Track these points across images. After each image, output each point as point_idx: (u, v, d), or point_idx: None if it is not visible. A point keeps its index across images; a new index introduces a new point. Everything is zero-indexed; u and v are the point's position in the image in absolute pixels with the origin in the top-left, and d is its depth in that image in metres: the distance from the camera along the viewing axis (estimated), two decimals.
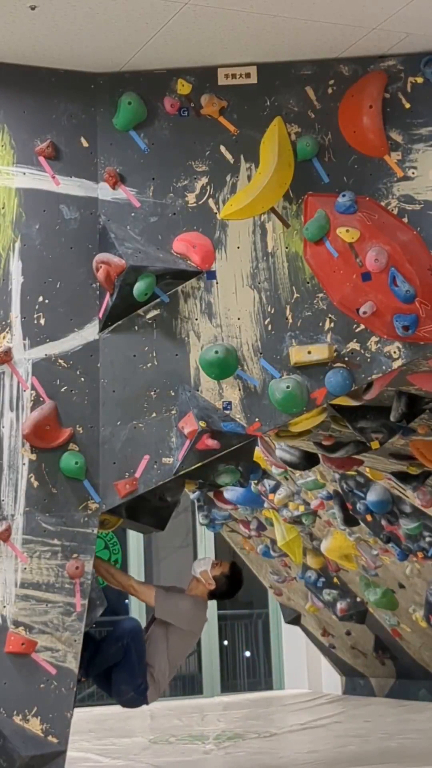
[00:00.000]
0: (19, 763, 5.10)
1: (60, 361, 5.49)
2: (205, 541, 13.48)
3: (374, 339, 5.47)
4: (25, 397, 5.43)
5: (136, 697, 6.48)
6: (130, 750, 8.57)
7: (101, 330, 5.54)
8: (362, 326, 5.47)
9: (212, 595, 6.63)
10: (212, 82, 5.61)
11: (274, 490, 9.21)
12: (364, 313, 5.40)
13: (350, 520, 9.33)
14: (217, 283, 5.54)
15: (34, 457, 5.40)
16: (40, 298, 5.50)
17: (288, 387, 5.42)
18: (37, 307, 5.50)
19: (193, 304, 5.54)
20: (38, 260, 5.52)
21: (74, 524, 5.42)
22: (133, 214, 5.58)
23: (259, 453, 7.94)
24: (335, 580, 10.95)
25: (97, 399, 5.51)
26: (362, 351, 5.47)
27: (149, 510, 5.95)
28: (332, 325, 5.50)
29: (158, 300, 5.54)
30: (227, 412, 5.46)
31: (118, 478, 5.46)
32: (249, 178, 5.56)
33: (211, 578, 6.53)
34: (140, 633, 6.48)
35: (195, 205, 5.59)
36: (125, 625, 6.46)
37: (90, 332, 5.54)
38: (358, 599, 10.96)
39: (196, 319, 5.54)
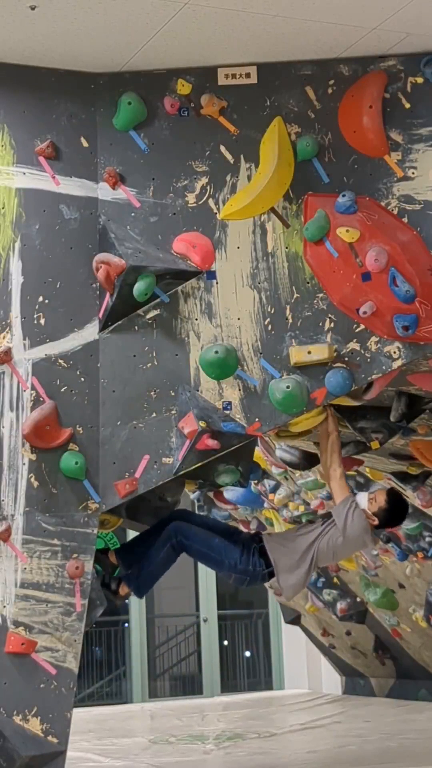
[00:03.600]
0: (19, 763, 5.10)
1: (60, 361, 5.49)
2: None
3: (374, 339, 5.47)
4: (25, 397, 5.43)
5: (242, 577, 6.03)
6: (130, 750, 8.56)
7: (101, 330, 5.54)
8: (362, 326, 5.47)
9: (378, 528, 6.19)
10: (212, 82, 5.61)
11: (274, 490, 9.21)
12: (364, 313, 5.41)
13: None
14: (217, 283, 5.54)
15: (34, 457, 5.40)
16: (40, 298, 5.50)
17: (288, 387, 5.42)
18: (37, 307, 5.50)
19: (193, 304, 5.54)
20: (38, 260, 5.52)
21: (74, 524, 5.42)
22: (133, 214, 5.59)
23: (259, 453, 7.93)
24: (335, 580, 10.95)
25: (97, 399, 5.51)
26: (362, 351, 5.48)
27: (149, 510, 5.95)
28: (332, 325, 5.50)
29: (158, 300, 5.54)
30: (227, 412, 5.46)
31: (118, 478, 5.46)
32: (249, 178, 5.56)
33: (372, 516, 6.02)
34: (186, 528, 6.08)
35: (195, 205, 5.59)
36: (169, 529, 6.00)
37: (90, 332, 5.54)
38: (358, 599, 10.96)
39: (196, 319, 5.54)
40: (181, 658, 14.51)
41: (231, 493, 9.25)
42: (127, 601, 13.42)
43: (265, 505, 9.53)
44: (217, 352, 5.42)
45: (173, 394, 5.50)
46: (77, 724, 6.66)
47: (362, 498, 6.05)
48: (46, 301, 5.51)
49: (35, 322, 5.49)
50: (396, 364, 5.47)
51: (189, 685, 14.15)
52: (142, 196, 5.59)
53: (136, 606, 13.37)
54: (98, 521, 5.48)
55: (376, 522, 6.03)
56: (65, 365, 5.50)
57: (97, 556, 5.57)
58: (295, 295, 5.53)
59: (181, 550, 6.03)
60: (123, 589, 5.97)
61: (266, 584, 6.52)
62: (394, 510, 6.14)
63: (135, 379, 5.52)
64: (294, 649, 13.37)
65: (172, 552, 6.01)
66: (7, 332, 5.46)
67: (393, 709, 10.55)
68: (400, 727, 9.14)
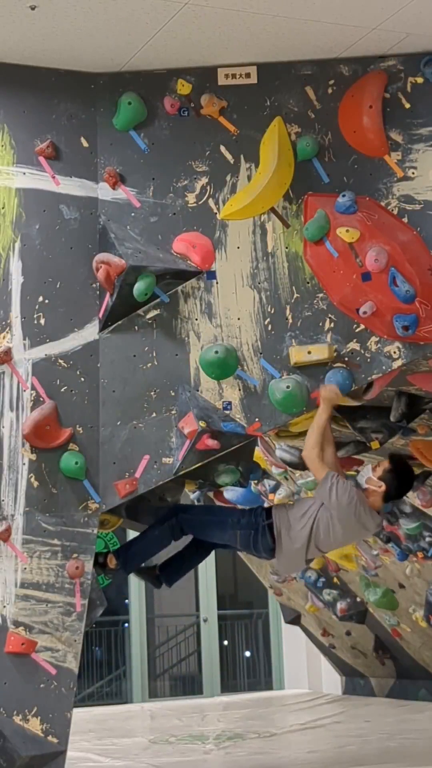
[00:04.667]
0: (19, 763, 5.10)
1: (60, 361, 5.49)
2: None
3: (374, 339, 5.47)
4: (25, 397, 5.43)
5: (246, 532, 5.78)
6: (130, 750, 8.56)
7: (101, 330, 5.55)
8: (362, 326, 5.48)
9: (388, 497, 5.83)
10: (212, 82, 5.61)
11: (274, 490, 9.20)
12: (364, 313, 5.41)
13: None
14: (217, 283, 5.54)
15: (34, 457, 5.41)
16: (40, 298, 5.51)
17: (288, 387, 5.42)
18: (37, 307, 5.50)
19: (193, 304, 5.55)
20: (38, 260, 5.52)
21: (74, 524, 5.42)
22: (133, 214, 5.59)
23: (259, 453, 7.94)
24: (335, 580, 10.95)
25: (97, 399, 5.52)
26: (362, 351, 5.48)
27: (149, 510, 5.95)
28: (332, 325, 5.50)
29: (158, 300, 5.54)
30: (227, 412, 5.46)
31: (118, 478, 5.46)
32: (249, 178, 5.56)
33: (377, 481, 5.73)
34: (187, 505, 6.08)
35: (195, 205, 5.59)
36: (170, 508, 5.96)
37: (90, 332, 5.54)
38: (358, 599, 10.96)
39: (196, 319, 5.54)
40: (181, 658, 14.50)
41: (231, 493, 9.24)
42: (126, 600, 13.42)
43: (265, 505, 9.52)
44: (217, 352, 5.42)
45: (173, 394, 5.50)
46: (77, 724, 6.66)
47: (366, 470, 5.84)
48: (46, 301, 5.51)
49: (35, 322, 5.49)
50: (396, 364, 5.48)
51: (189, 685, 14.14)
52: (142, 196, 5.59)
53: (136, 606, 13.37)
54: (98, 521, 5.48)
55: (383, 487, 5.72)
56: (65, 365, 5.50)
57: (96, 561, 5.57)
58: (295, 295, 5.53)
59: (180, 531, 5.89)
60: (111, 561, 5.88)
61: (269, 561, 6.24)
62: (400, 472, 5.85)
63: (135, 379, 5.52)
64: (294, 649, 13.37)
65: (169, 532, 5.88)
66: (7, 332, 5.46)
67: (393, 709, 10.55)
68: (400, 727, 9.14)
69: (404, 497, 8.57)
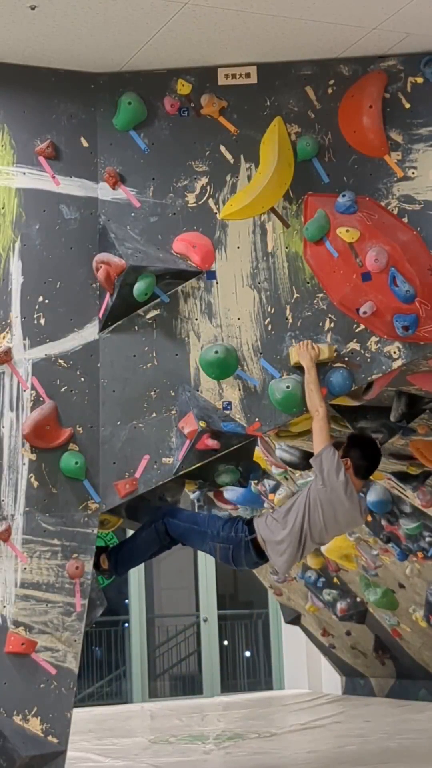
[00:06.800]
0: (19, 763, 5.10)
1: (60, 361, 5.49)
2: None
3: (374, 339, 5.47)
4: (25, 397, 5.43)
5: (225, 546, 5.70)
6: (130, 750, 8.56)
7: (101, 330, 5.55)
8: (362, 326, 5.48)
9: (359, 470, 5.68)
10: (212, 82, 5.62)
11: (274, 490, 9.20)
12: (364, 313, 5.41)
13: None
14: (217, 283, 5.54)
15: (34, 457, 5.41)
16: (40, 298, 5.51)
17: (288, 387, 5.42)
18: (37, 307, 5.50)
19: (193, 304, 5.55)
20: (38, 260, 5.52)
21: (74, 524, 5.42)
22: (133, 214, 5.59)
23: (259, 453, 7.93)
24: (335, 580, 10.95)
25: (97, 399, 5.52)
26: (362, 351, 5.48)
27: (149, 510, 5.94)
28: (332, 325, 5.51)
29: (158, 300, 5.54)
30: (227, 412, 5.46)
31: (118, 478, 5.46)
32: (249, 178, 5.56)
33: (345, 462, 5.57)
34: (174, 508, 5.94)
35: (195, 205, 5.59)
36: (157, 512, 5.85)
37: (90, 332, 5.54)
38: (358, 599, 10.95)
39: (196, 319, 5.54)
40: (181, 658, 14.51)
41: (231, 493, 9.25)
42: (126, 600, 13.43)
43: (265, 505, 9.53)
44: (217, 352, 5.42)
45: (173, 394, 5.50)
46: (77, 724, 6.65)
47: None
48: (46, 301, 5.51)
49: (35, 322, 5.49)
50: (396, 364, 5.48)
51: (189, 685, 14.15)
52: (142, 196, 5.60)
53: (136, 606, 13.37)
54: (98, 521, 5.48)
55: (349, 462, 5.58)
56: (65, 365, 5.50)
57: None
58: (295, 295, 5.53)
59: (165, 533, 5.79)
60: (104, 562, 5.82)
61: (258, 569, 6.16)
62: (357, 442, 5.76)
63: (135, 379, 5.52)
64: (294, 649, 13.37)
65: (155, 534, 5.80)
66: (7, 332, 5.46)
67: (393, 709, 10.54)
68: (400, 727, 9.14)
69: (405, 498, 8.57)
